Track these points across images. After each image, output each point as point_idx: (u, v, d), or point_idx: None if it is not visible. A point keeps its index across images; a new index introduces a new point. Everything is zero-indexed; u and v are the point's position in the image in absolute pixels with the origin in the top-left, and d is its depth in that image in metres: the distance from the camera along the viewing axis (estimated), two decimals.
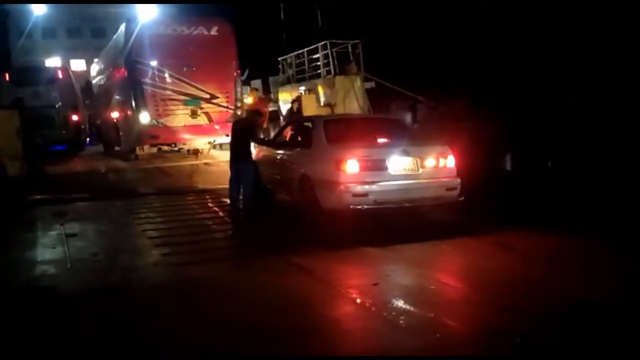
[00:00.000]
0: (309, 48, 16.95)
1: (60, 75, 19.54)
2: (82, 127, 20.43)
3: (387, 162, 6.57)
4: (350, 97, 14.87)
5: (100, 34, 36.33)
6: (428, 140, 7.57)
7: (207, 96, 14.19)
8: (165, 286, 5.07)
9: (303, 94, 15.84)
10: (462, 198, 6.80)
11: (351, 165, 6.49)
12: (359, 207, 6.46)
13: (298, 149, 7.73)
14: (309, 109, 15.31)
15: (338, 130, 7.43)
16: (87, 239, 7.05)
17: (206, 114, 14.17)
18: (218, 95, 14.31)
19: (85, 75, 31.40)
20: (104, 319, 4.27)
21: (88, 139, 23.08)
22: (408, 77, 15.85)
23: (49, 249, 6.55)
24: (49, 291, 4.56)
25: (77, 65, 34.59)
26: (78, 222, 8.00)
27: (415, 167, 6.67)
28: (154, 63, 13.88)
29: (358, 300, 4.52)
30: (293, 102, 16.15)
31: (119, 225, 7.83)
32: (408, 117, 14.52)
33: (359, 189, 6.46)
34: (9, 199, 9.20)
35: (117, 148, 16.30)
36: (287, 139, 8.48)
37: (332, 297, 4.68)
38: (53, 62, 32.40)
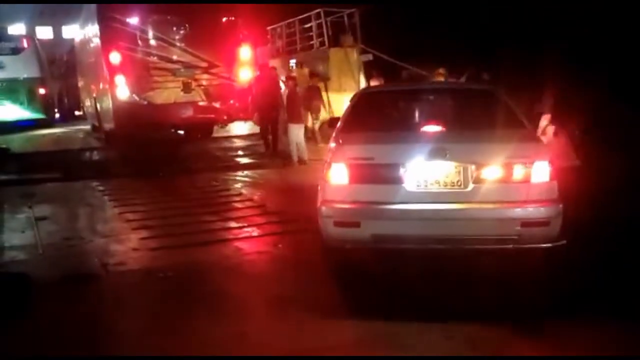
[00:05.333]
0: (300, 17, 16.84)
1: (25, 44, 19.34)
2: (50, 101, 20.30)
3: (402, 169, 4.23)
4: (346, 71, 14.83)
5: None
6: (504, 132, 4.52)
7: (204, 64, 12.28)
8: (146, 271, 5.11)
9: (294, 67, 15.77)
10: (564, 242, 4.16)
11: (336, 173, 4.34)
12: (342, 245, 4.41)
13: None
14: (300, 85, 15.25)
15: (372, 110, 5.26)
16: (58, 222, 7.06)
17: (203, 87, 12.32)
18: (218, 63, 12.36)
19: (51, 44, 31.14)
20: (80, 307, 4.32)
21: (58, 114, 22.99)
22: (411, 50, 15.80)
23: (17, 234, 6.55)
24: (21, 278, 4.58)
25: (44, 32, 34.25)
26: (48, 204, 8.00)
27: (459, 179, 4.20)
28: (134, 20, 11.99)
29: None
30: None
31: (93, 208, 7.85)
32: None
33: (345, 213, 4.32)
34: None
35: (100, 128, 15.00)
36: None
37: None
38: (16, 29, 31.92)
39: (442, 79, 10.24)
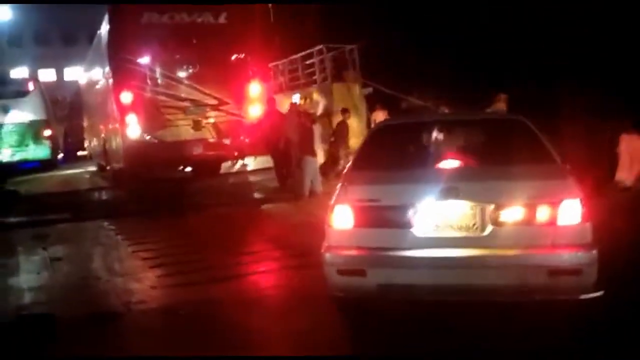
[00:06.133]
0: (302, 53, 17.23)
1: (30, 87, 19.72)
2: (55, 142, 20.59)
3: (411, 211, 3.88)
4: (350, 105, 15.09)
5: (71, 41, 36.72)
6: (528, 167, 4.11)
7: (214, 102, 12.42)
8: (167, 309, 5.18)
9: (298, 102, 16.06)
10: (600, 293, 3.69)
11: (340, 216, 4.05)
12: (347, 295, 4.10)
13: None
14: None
15: (386, 146, 4.83)
16: (74, 262, 7.15)
17: (212, 124, 12.43)
18: (228, 100, 12.52)
19: (53, 87, 31.72)
20: (106, 346, 4.39)
21: (61, 156, 23.26)
22: (410, 82, 16.14)
23: (34, 275, 6.64)
24: (46, 318, 4.65)
25: (46, 75, 34.92)
26: (62, 244, 8.10)
27: (474, 222, 3.81)
28: (144, 60, 12.19)
29: None
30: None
31: (106, 247, 7.94)
32: None
33: (349, 260, 4.02)
34: None
35: (107, 167, 15.27)
36: None
37: None
38: (19, 72, 32.55)
39: (503, 105, 9.86)
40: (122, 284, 6.04)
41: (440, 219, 3.88)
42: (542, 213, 3.73)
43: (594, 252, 3.69)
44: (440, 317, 4.11)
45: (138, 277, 6.30)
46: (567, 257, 3.71)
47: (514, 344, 3.75)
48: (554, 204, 3.72)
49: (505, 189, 3.90)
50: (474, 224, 3.81)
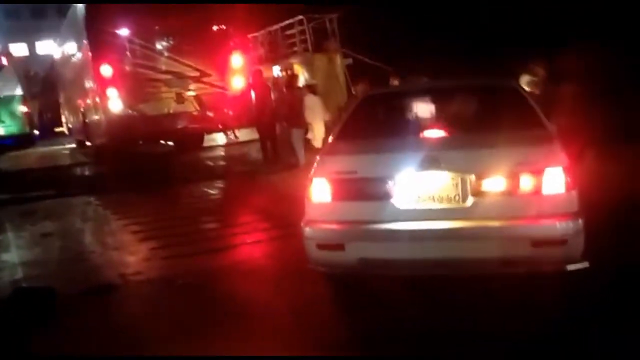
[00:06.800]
0: (282, 24, 17.10)
1: (3, 61, 19.27)
2: (31, 118, 20.24)
3: (390, 182, 3.75)
4: (331, 76, 15.11)
5: (41, 14, 35.74)
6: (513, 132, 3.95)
7: (196, 74, 12.32)
8: (164, 280, 5.28)
9: (279, 74, 16.02)
10: (586, 264, 3.59)
11: (317, 189, 3.95)
12: (328, 270, 4.08)
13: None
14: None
15: (371, 116, 4.81)
16: (65, 238, 7.18)
17: (195, 97, 12.32)
18: (210, 72, 12.41)
19: (25, 61, 30.95)
20: (106, 316, 4.49)
21: (37, 132, 22.88)
22: (388, 51, 16.12)
23: (26, 250, 6.67)
24: (46, 290, 4.72)
25: (18, 49, 34.03)
26: (50, 220, 8.11)
27: (456, 193, 3.67)
28: (123, 32, 12.01)
29: None
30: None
31: (96, 222, 7.98)
32: None
33: (328, 234, 3.92)
34: None
35: (87, 143, 15.22)
36: None
37: None
38: None
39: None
40: (116, 257, 6.11)
41: (420, 190, 3.73)
42: (525, 182, 3.59)
43: (580, 221, 3.55)
44: (426, 291, 4.03)
45: (131, 250, 6.37)
46: (551, 227, 3.56)
47: (500, 320, 3.64)
48: (537, 172, 3.57)
49: (486, 157, 3.75)
50: (455, 195, 3.67)
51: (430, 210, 3.73)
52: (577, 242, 3.56)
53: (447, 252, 3.70)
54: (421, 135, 4.29)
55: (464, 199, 3.67)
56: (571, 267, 3.57)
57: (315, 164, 4.11)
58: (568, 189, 3.57)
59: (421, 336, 3.58)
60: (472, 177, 3.65)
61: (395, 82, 11.06)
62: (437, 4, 16.16)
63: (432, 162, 3.70)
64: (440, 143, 4.12)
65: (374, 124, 4.72)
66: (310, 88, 11.73)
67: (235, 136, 14.90)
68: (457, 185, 3.67)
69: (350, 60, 16.84)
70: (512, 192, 3.62)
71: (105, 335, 4.13)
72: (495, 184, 3.64)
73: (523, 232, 3.59)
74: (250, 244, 6.33)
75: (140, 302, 4.79)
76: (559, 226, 3.56)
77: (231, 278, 5.21)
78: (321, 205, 3.95)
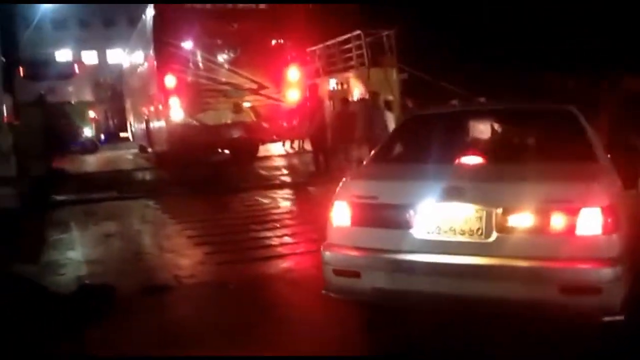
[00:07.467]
0: (340, 38, 17.34)
1: (76, 69, 20.42)
2: (99, 123, 21.32)
3: (410, 211, 3.57)
4: (386, 90, 15.18)
5: (111, 23, 37.51)
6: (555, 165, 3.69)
7: (254, 86, 12.84)
8: (216, 283, 5.50)
9: (335, 87, 16.23)
10: (621, 317, 3.17)
11: (338, 213, 3.85)
12: (342, 297, 3.92)
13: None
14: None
15: (412, 138, 4.62)
16: (125, 239, 7.56)
17: (252, 108, 12.83)
18: (267, 84, 12.93)
19: (95, 69, 32.57)
20: (160, 314, 4.73)
21: (103, 137, 24.04)
22: (446, 67, 16.09)
23: (89, 249, 7.07)
24: (106, 288, 5.01)
25: (89, 57, 35.83)
26: (112, 221, 8.55)
27: (479, 227, 3.43)
28: (187, 45, 12.65)
29: None
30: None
31: (154, 225, 8.34)
32: None
33: (345, 261, 3.78)
34: (35, 200, 9.78)
35: (149, 149, 15.94)
36: None
37: None
38: (63, 54, 33.48)
39: None
40: (171, 260, 6.39)
41: (441, 222, 3.50)
42: (556, 221, 3.25)
43: (618, 269, 3.15)
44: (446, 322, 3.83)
45: (186, 254, 6.64)
46: (582, 273, 3.20)
47: (520, 349, 3.49)
48: (570, 212, 3.22)
49: (515, 191, 3.47)
50: (478, 229, 3.41)
51: (450, 242, 3.47)
52: (615, 292, 3.15)
53: (466, 289, 3.40)
54: (455, 161, 3.99)
55: (488, 234, 3.39)
56: (607, 318, 3.15)
57: (339, 186, 3.99)
58: (606, 231, 3.19)
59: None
60: (499, 211, 3.36)
61: (454, 102, 10.87)
62: (496, 25, 16.07)
63: (455, 192, 3.47)
64: (469, 172, 3.87)
65: (410, 146, 4.55)
66: (387, 104, 11.79)
67: (293, 147, 15.20)
68: (481, 218, 3.41)
69: (405, 75, 16.89)
70: (540, 230, 3.29)
71: (154, 333, 4.34)
72: (522, 220, 3.34)
73: (550, 275, 3.23)
74: (300, 254, 6.47)
75: (192, 304, 5.00)
76: (592, 273, 3.18)
77: (279, 286, 5.38)
78: (341, 230, 3.82)
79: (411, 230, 3.56)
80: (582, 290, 3.17)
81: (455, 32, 17.44)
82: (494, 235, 3.37)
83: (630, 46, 12.25)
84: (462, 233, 3.46)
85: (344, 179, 4.07)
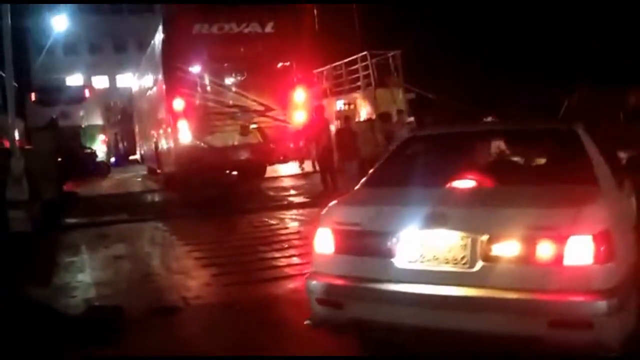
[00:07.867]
0: (347, 60, 17.57)
1: (86, 94, 20.80)
2: (109, 146, 21.62)
3: (393, 239, 3.38)
4: (392, 110, 15.31)
5: (122, 48, 38.15)
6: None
7: (261, 108, 13.17)
8: (222, 304, 5.57)
9: (342, 108, 16.41)
10: (614, 354, 2.95)
11: (321, 240, 3.68)
12: (325, 328, 3.75)
13: None
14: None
15: (405, 160, 4.41)
16: (134, 260, 7.66)
17: (259, 130, 13.09)
18: (273, 106, 13.21)
19: (106, 93, 33.08)
20: (168, 334, 4.80)
21: (113, 159, 24.33)
22: (453, 86, 16.26)
23: (99, 271, 7.18)
24: (115, 309, 5.10)
25: (99, 82, 36.39)
26: (122, 243, 8.67)
27: (464, 255, 3.22)
28: (196, 69, 12.95)
29: None
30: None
31: (162, 247, 8.45)
32: None
33: (327, 289, 3.58)
34: (47, 223, 9.93)
35: (158, 171, 16.06)
36: None
37: None
38: (74, 79, 34.06)
39: None
40: (179, 281, 6.47)
41: (424, 250, 3.30)
42: (543, 250, 3.01)
43: (612, 301, 2.87)
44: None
45: (193, 275, 6.73)
46: (571, 306, 2.94)
47: None
48: (558, 240, 2.98)
49: (501, 217, 3.23)
50: (462, 257, 3.19)
51: (433, 272, 3.26)
52: (609, 327, 2.90)
53: (449, 322, 3.18)
54: (445, 185, 3.77)
55: (472, 263, 3.16)
56: (604, 355, 2.94)
57: (322, 212, 3.83)
58: (598, 261, 2.93)
59: None
60: (484, 238, 3.14)
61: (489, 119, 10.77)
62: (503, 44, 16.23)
63: (439, 218, 3.26)
64: (455, 197, 3.67)
65: (403, 169, 4.29)
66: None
67: (302, 167, 15.35)
68: (465, 246, 3.18)
69: (413, 95, 17.10)
70: (526, 259, 3.05)
71: (162, 354, 4.41)
72: (509, 248, 3.11)
73: (537, 308, 2.98)
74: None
75: (199, 325, 5.06)
76: (582, 306, 2.92)
77: (286, 306, 5.43)
78: (324, 257, 3.64)
79: (393, 259, 3.36)
80: (572, 324, 2.93)
81: (464, 48, 17.63)
82: (479, 265, 3.15)
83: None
84: (446, 262, 3.24)
85: (328, 205, 3.88)
